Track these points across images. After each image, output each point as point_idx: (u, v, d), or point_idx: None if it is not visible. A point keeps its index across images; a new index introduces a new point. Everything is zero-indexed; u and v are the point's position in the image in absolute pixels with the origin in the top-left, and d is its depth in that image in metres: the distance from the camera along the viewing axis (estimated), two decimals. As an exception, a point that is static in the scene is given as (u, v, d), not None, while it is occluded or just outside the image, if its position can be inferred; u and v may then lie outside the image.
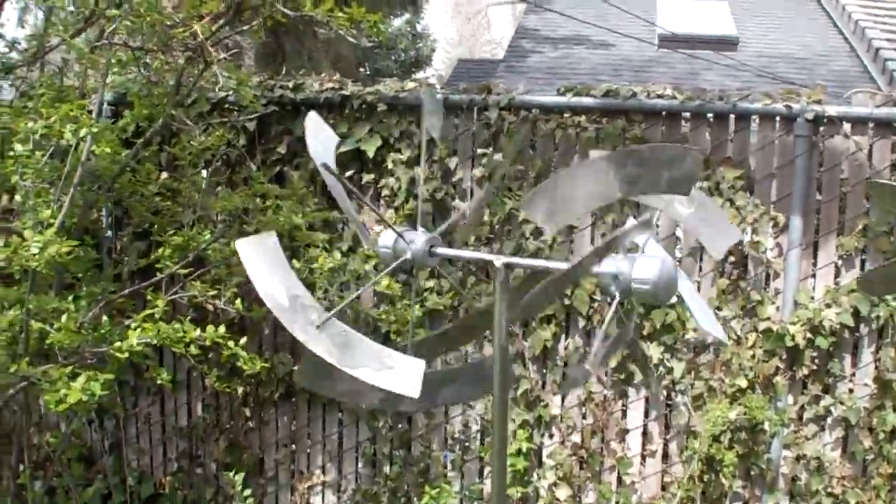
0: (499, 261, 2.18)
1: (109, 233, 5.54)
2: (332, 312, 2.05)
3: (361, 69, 19.30)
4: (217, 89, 4.76)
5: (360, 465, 5.52)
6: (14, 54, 3.98)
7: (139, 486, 5.77)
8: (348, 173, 5.18)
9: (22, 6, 3.16)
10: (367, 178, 5.21)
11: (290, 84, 5.27)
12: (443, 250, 2.38)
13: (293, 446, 5.69)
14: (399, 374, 2.04)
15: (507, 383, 2.29)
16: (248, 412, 5.61)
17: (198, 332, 3.45)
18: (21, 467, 4.29)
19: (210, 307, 4.70)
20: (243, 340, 4.10)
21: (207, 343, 3.46)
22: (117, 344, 3.29)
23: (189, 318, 3.87)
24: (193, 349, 3.74)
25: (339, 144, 2.55)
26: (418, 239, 2.33)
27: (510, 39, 13.72)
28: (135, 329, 3.30)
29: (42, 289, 4.02)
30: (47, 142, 3.29)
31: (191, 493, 5.77)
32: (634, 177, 2.03)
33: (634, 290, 2.03)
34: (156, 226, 4.42)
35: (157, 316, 3.37)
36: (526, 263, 2.36)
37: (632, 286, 2.03)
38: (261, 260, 2.14)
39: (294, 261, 4.20)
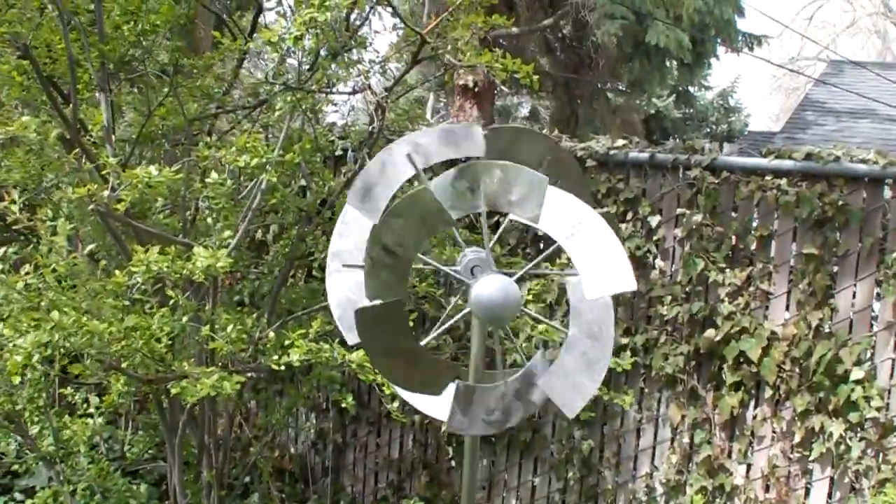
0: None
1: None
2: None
3: (671, 139, 19.35)
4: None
5: (549, 514, 5.59)
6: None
7: (350, 509, 6.19)
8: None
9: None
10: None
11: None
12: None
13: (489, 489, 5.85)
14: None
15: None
16: (450, 450, 5.86)
17: (355, 354, 3.71)
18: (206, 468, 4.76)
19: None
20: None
21: (354, 367, 3.71)
22: (275, 357, 3.65)
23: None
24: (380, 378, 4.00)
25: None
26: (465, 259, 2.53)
27: (793, 111, 13.34)
28: (293, 346, 3.64)
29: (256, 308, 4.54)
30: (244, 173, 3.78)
31: (392, 524, 6.09)
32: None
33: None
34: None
35: (310, 336, 3.69)
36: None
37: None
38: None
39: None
